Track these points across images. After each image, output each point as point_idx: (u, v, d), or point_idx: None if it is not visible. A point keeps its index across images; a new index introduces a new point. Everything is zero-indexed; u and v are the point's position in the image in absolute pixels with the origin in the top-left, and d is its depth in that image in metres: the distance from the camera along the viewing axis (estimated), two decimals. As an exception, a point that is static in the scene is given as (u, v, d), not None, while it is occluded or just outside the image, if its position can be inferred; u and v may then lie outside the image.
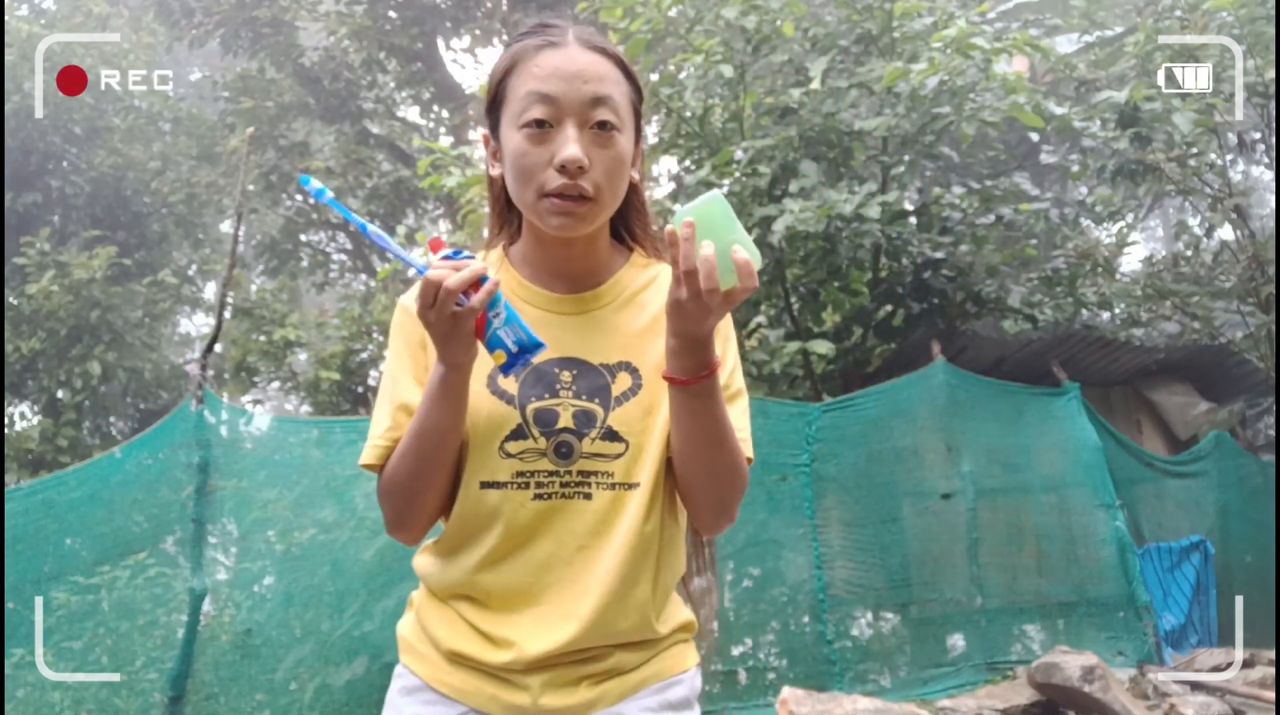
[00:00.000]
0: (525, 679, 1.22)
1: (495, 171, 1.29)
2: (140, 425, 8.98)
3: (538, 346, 1.13)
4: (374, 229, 1.16)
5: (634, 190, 1.32)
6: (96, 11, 10.98)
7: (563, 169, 1.17)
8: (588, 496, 1.23)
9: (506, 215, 1.35)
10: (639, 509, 1.24)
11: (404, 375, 1.28)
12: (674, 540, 1.31)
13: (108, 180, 10.52)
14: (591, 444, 1.23)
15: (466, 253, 1.12)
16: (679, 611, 1.34)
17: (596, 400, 1.24)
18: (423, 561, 1.32)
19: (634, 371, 1.26)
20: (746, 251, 1.09)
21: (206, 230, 12.06)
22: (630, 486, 1.24)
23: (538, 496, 1.23)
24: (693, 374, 1.16)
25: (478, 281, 1.09)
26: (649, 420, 1.24)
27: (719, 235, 1.10)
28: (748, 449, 1.28)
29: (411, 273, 1.20)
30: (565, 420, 1.23)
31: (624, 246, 1.36)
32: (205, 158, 11.70)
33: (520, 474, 1.23)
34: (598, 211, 1.21)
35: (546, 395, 1.24)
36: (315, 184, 1.17)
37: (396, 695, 1.29)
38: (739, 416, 1.28)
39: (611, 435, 1.24)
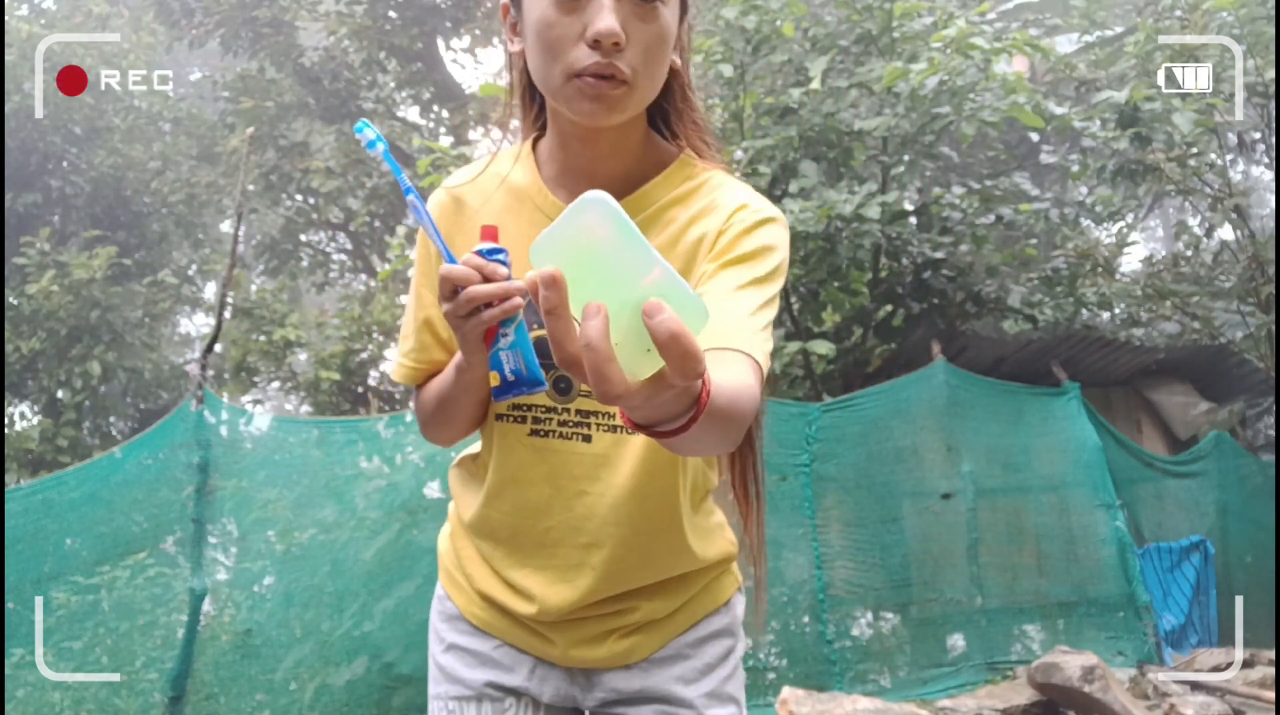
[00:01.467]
0: (550, 632, 1.19)
1: (515, 47, 1.12)
2: (140, 425, 8.98)
3: (536, 384, 1.03)
4: (413, 199, 1.06)
5: (675, 75, 1.13)
6: (96, 11, 10.97)
7: (595, 44, 0.99)
8: (586, 439, 1.14)
9: (529, 100, 1.18)
10: (644, 454, 1.13)
11: (424, 287, 1.20)
12: (699, 476, 1.19)
13: (108, 180, 10.52)
14: None
15: (504, 256, 1.02)
16: (716, 543, 1.22)
17: None
18: (453, 473, 1.29)
19: None
20: (675, 302, 0.62)
21: (206, 230, 12.07)
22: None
23: (534, 432, 1.15)
24: (669, 426, 0.77)
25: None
26: None
27: (615, 284, 0.63)
28: (760, 351, 0.97)
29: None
30: None
31: (669, 145, 1.18)
32: (205, 158, 11.70)
33: (517, 407, 1.15)
34: (632, 98, 1.04)
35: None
36: (370, 133, 1.04)
37: (438, 620, 1.28)
38: (762, 324, 1.01)
39: None
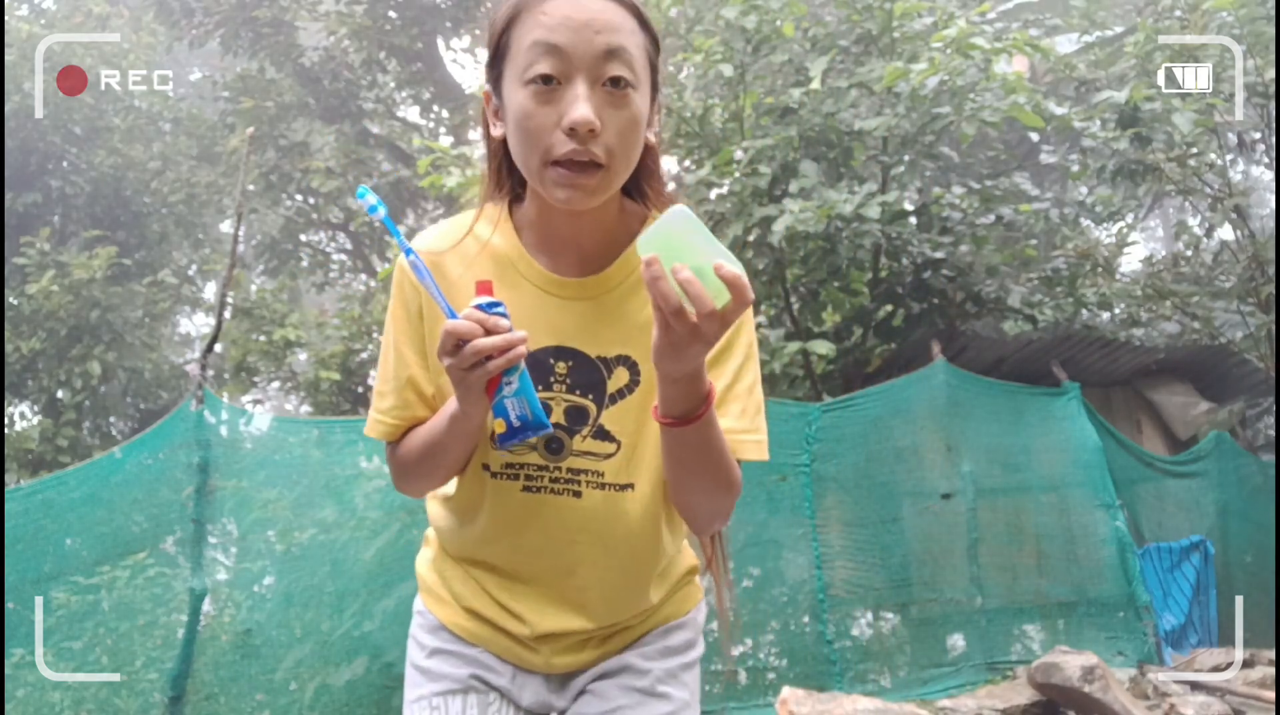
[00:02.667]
0: (537, 645, 1.27)
1: (497, 132, 1.17)
2: (140, 425, 8.97)
3: (542, 427, 1.08)
4: (415, 260, 1.11)
5: (648, 151, 1.19)
6: (96, 11, 10.97)
7: (572, 132, 1.05)
8: (577, 495, 1.20)
9: (505, 178, 1.23)
10: (633, 511, 1.22)
11: (405, 346, 1.23)
12: (675, 522, 1.28)
13: (108, 180, 10.52)
14: (583, 442, 1.19)
15: (503, 308, 1.06)
16: (683, 560, 1.35)
17: (590, 396, 1.19)
18: (435, 510, 1.33)
19: (633, 366, 1.19)
20: (730, 265, 0.97)
21: (206, 230, 12.06)
22: (623, 488, 1.21)
23: (526, 489, 1.21)
24: (689, 414, 1.07)
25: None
26: (644, 417, 1.19)
27: (692, 256, 0.97)
28: (761, 451, 1.20)
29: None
30: (557, 415, 1.19)
31: (639, 207, 1.24)
32: (205, 158, 11.70)
33: (509, 465, 1.20)
34: (609, 180, 1.10)
35: (539, 386, 1.17)
36: (371, 199, 1.09)
37: (419, 630, 1.34)
38: (751, 416, 1.20)
39: (603, 434, 1.19)
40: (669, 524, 1.27)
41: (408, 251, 1.11)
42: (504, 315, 1.05)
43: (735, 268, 0.96)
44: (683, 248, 0.97)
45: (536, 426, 1.08)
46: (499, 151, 1.21)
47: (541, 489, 1.21)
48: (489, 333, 1.03)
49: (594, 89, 1.06)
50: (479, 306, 1.05)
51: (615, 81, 1.07)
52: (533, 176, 1.12)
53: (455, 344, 1.03)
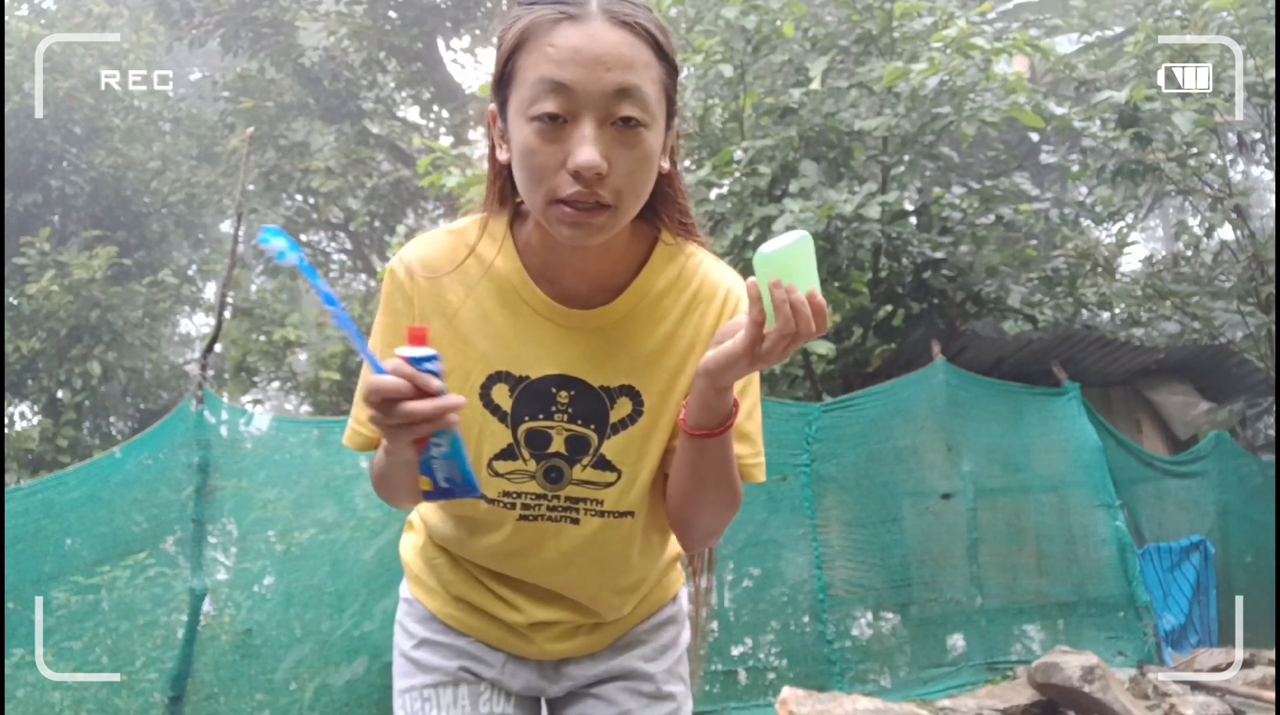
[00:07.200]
0: (529, 631, 1.28)
1: (503, 155, 1.11)
2: (140, 425, 8.97)
3: (471, 491, 1.00)
4: (340, 309, 0.95)
5: (666, 179, 1.15)
6: (96, 11, 10.97)
7: (577, 175, 1.00)
8: (575, 521, 1.20)
9: (509, 197, 1.17)
10: (632, 536, 1.23)
11: (389, 355, 1.19)
12: (669, 538, 1.33)
13: (108, 180, 10.52)
14: (583, 471, 1.18)
15: (435, 364, 0.96)
16: (669, 549, 1.37)
17: (592, 426, 1.17)
18: (427, 507, 1.33)
19: (636, 396, 1.17)
20: (820, 297, 1.00)
21: (206, 230, 12.07)
22: (622, 515, 1.21)
23: (523, 517, 1.20)
24: (719, 426, 1.09)
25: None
26: (646, 447, 1.18)
27: (801, 280, 0.97)
28: (763, 473, 1.23)
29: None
30: (558, 444, 1.17)
31: (650, 230, 1.20)
32: (205, 158, 11.70)
33: (506, 494, 1.19)
34: (617, 219, 1.05)
35: (540, 416, 1.16)
36: (278, 243, 0.92)
37: (407, 620, 1.34)
38: (757, 441, 1.23)
39: (604, 464, 1.18)
40: (663, 544, 1.31)
41: (328, 300, 0.94)
42: (436, 373, 0.95)
43: (822, 299, 0.98)
44: (794, 271, 0.97)
45: (466, 491, 1.00)
46: (503, 173, 1.15)
47: (539, 517, 1.20)
48: (420, 390, 0.93)
49: (602, 128, 1.00)
50: (410, 360, 0.94)
51: (625, 120, 1.01)
52: (537, 212, 1.07)
53: (382, 401, 0.93)
